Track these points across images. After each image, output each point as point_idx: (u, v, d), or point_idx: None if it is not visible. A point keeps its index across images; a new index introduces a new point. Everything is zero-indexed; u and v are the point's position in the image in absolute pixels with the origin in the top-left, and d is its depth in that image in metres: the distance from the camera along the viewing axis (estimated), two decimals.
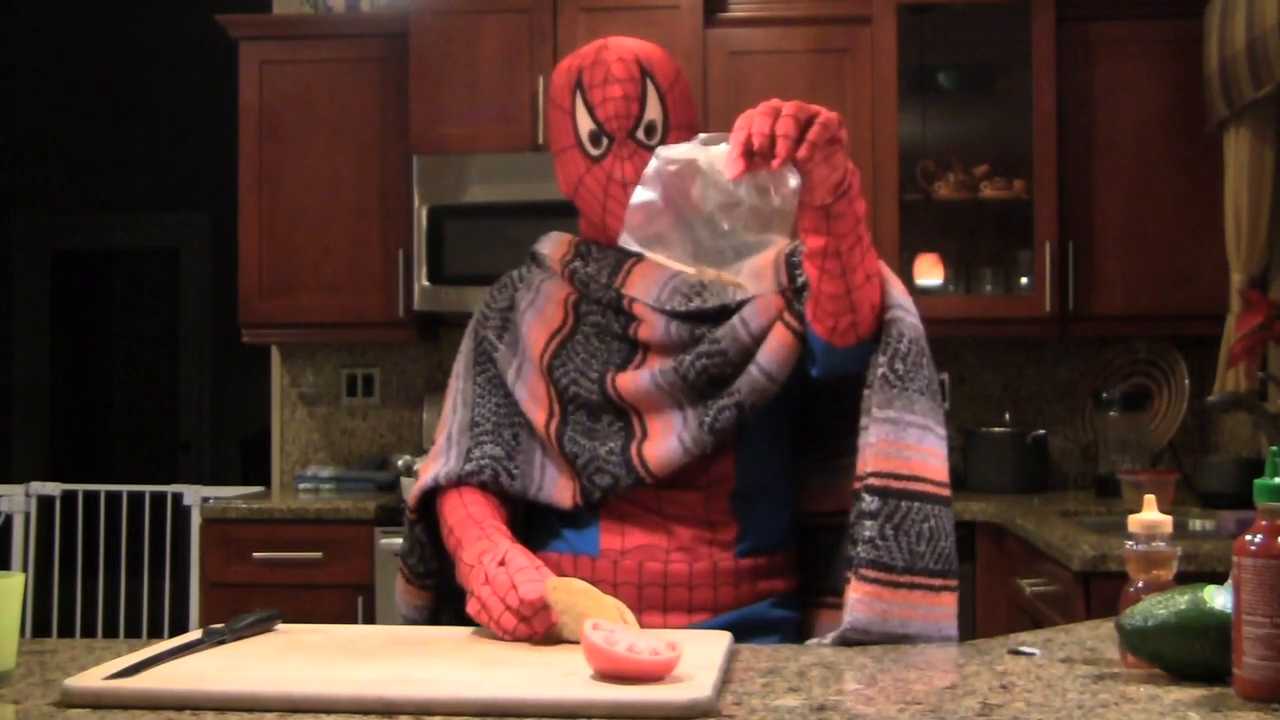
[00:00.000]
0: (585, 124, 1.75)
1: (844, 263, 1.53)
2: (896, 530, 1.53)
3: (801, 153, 1.35)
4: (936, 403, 1.61)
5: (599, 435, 1.71)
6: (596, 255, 1.80)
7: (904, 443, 1.55)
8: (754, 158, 1.34)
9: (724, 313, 1.71)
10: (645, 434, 1.70)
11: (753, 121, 1.35)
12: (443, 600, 1.80)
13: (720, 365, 1.68)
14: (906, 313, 1.61)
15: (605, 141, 1.74)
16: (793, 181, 1.35)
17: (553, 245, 1.86)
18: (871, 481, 1.54)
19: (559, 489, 1.73)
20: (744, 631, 1.60)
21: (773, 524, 1.76)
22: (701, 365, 1.68)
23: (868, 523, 1.53)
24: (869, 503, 1.54)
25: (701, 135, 1.40)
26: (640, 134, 1.73)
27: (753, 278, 1.60)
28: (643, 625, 1.58)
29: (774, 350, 1.67)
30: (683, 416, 1.69)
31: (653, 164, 1.39)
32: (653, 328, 1.73)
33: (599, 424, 1.72)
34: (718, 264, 1.40)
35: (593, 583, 1.53)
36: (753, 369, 1.67)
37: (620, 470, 1.68)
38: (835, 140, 1.39)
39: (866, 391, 1.59)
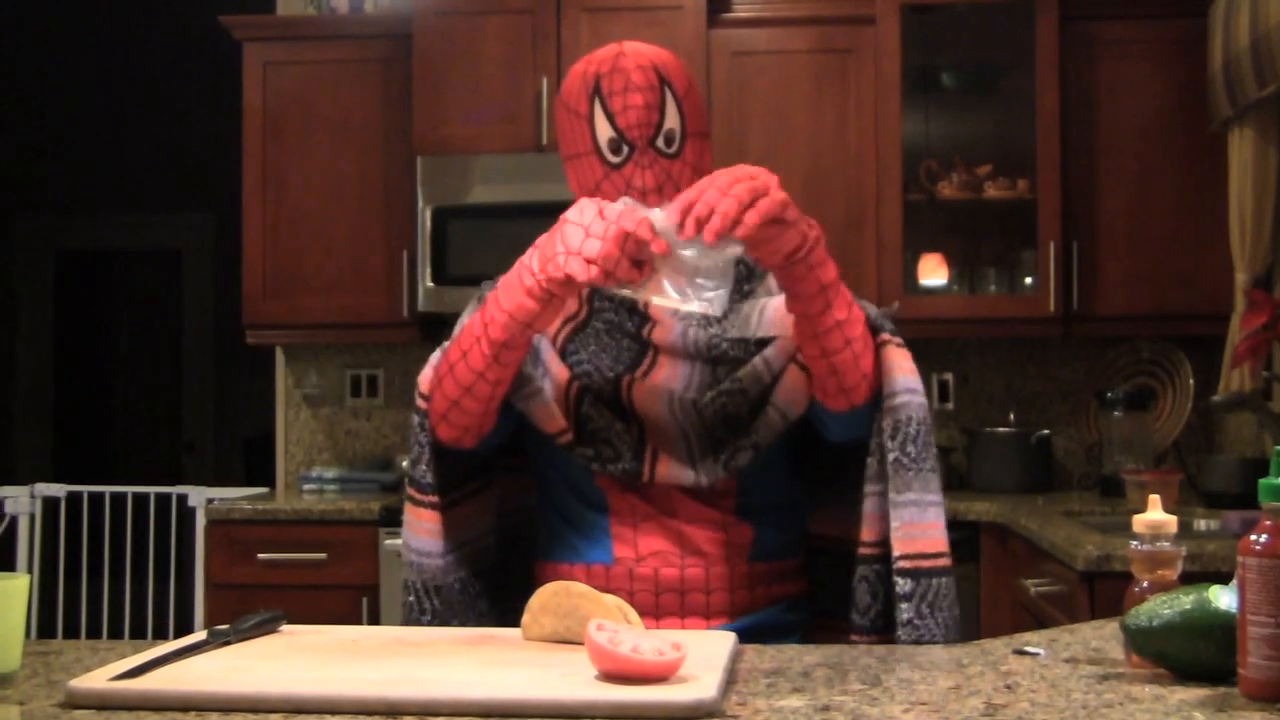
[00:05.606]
0: (605, 131, 1.71)
1: (814, 326, 1.56)
2: (931, 608, 1.61)
3: (738, 233, 1.41)
4: (939, 475, 1.69)
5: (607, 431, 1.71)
6: None
7: (926, 522, 1.63)
8: (691, 223, 1.42)
9: (743, 344, 1.72)
10: (655, 447, 1.70)
11: (704, 192, 1.43)
12: (454, 540, 1.74)
13: (739, 404, 1.69)
14: (913, 394, 1.65)
15: (626, 150, 1.71)
16: (731, 249, 1.44)
17: None
18: (903, 565, 1.61)
19: (545, 410, 1.71)
20: (759, 635, 1.60)
21: (784, 528, 1.77)
22: (720, 404, 1.68)
23: (905, 605, 1.60)
24: (904, 585, 1.60)
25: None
26: (660, 142, 1.71)
27: (777, 320, 1.69)
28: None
29: (787, 390, 1.69)
30: (687, 443, 1.69)
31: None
32: (669, 330, 1.72)
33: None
34: (688, 299, 1.48)
35: (608, 592, 1.52)
36: (770, 410, 1.69)
37: (627, 456, 1.69)
38: (780, 222, 1.44)
39: (873, 462, 1.66)
